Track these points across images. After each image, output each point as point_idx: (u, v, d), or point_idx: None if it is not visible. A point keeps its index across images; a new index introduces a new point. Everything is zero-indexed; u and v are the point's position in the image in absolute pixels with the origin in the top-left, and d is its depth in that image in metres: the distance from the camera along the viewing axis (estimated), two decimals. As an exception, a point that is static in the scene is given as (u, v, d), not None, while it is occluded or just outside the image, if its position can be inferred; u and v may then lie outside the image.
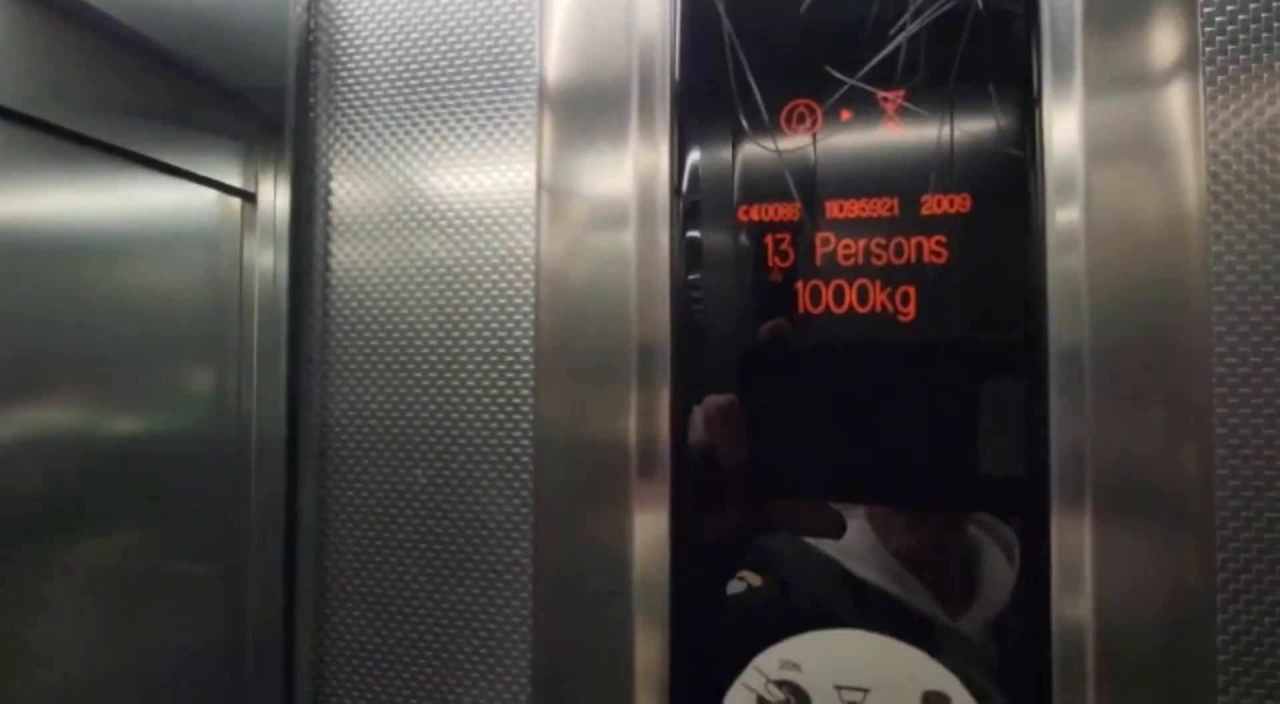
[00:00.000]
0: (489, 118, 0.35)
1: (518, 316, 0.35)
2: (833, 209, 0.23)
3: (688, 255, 0.24)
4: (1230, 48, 0.26)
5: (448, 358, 0.37)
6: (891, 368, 0.23)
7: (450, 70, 0.36)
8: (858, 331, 0.22)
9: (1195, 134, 0.24)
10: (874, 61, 0.22)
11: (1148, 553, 0.23)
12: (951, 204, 0.22)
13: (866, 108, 0.23)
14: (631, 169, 0.27)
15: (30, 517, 0.70)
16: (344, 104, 0.38)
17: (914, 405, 0.23)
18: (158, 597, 0.84)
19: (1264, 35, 0.26)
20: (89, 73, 0.91)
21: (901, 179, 0.22)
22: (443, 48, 0.36)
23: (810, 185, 0.23)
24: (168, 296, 0.98)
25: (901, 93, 0.22)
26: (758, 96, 0.23)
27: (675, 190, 0.25)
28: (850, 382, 0.24)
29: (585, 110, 0.30)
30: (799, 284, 0.23)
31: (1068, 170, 0.23)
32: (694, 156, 0.25)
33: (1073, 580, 0.22)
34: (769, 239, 0.23)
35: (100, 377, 0.89)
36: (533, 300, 0.33)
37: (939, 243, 0.22)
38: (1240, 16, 0.26)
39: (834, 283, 0.22)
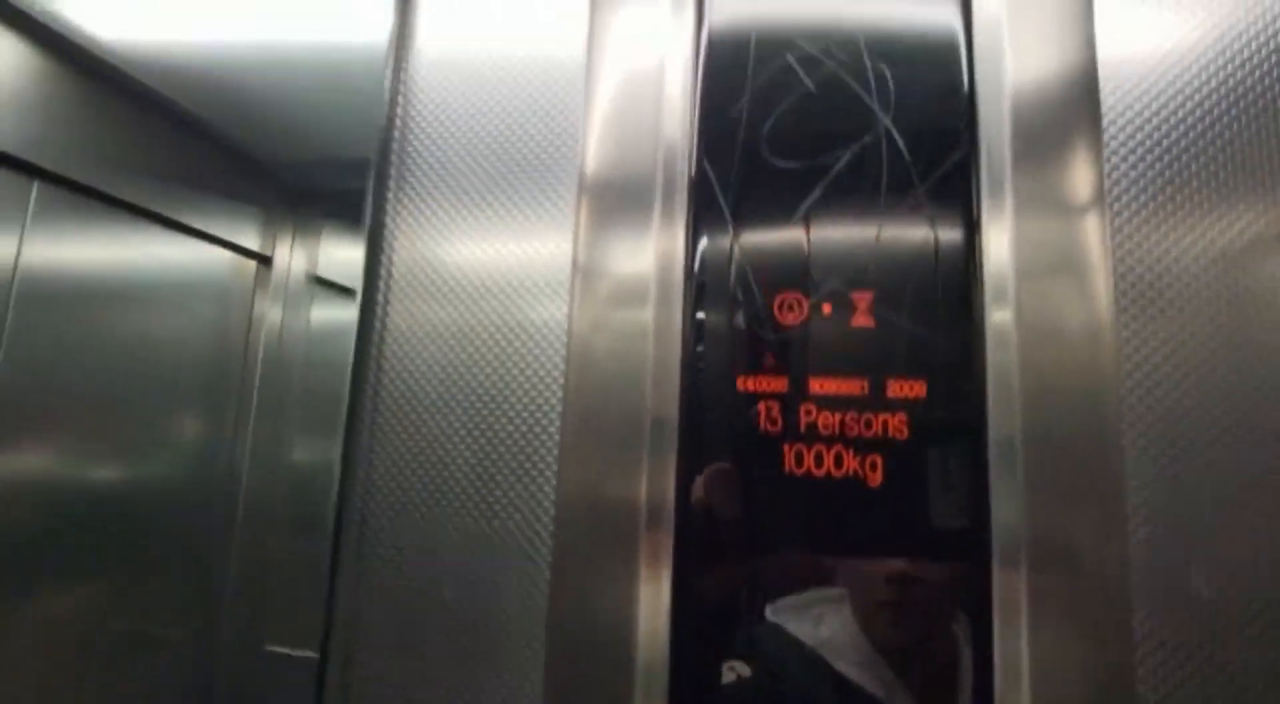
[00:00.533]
0: (538, 201, 0.38)
1: (548, 381, 0.36)
2: (815, 385, 0.27)
3: (691, 421, 0.29)
4: (1132, 189, 0.32)
5: (484, 412, 0.37)
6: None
7: (506, 158, 0.39)
8: (833, 493, 0.27)
9: (1104, 254, 0.29)
10: (852, 267, 0.28)
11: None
12: (911, 389, 0.26)
13: (844, 304, 0.28)
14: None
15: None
16: (412, 180, 0.40)
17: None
18: (124, 653, 0.83)
19: (1158, 180, 0.31)
20: (134, 142, 0.97)
21: (871, 365, 0.27)
22: (501, 140, 0.39)
23: (798, 364, 0.28)
24: (178, 348, 1.01)
25: (871, 294, 0.28)
26: (755, 288, 0.28)
27: (686, 363, 0.30)
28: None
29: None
30: (785, 448, 0.27)
31: (1004, 355, 0.28)
32: (701, 324, 0.30)
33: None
34: (761, 406, 0.27)
35: (97, 420, 0.90)
36: (563, 368, 0.35)
37: (901, 420, 0.26)
38: (1140, 164, 0.32)
39: (815, 449, 0.27)
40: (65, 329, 0.86)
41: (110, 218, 0.91)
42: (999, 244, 0.28)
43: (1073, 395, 0.29)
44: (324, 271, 1.07)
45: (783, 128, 0.30)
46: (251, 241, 1.02)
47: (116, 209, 0.90)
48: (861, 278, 0.28)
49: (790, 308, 0.28)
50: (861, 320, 0.28)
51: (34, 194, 0.87)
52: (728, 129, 0.31)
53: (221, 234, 0.97)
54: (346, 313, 1.31)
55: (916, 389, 0.27)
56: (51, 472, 0.89)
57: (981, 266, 0.28)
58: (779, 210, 0.29)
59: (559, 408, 0.34)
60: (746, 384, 0.28)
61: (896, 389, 0.27)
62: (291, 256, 1.05)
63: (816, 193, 0.28)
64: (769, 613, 0.28)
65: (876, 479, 0.26)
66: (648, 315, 0.34)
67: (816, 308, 0.28)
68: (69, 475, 0.89)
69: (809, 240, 0.28)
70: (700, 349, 0.31)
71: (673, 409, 0.31)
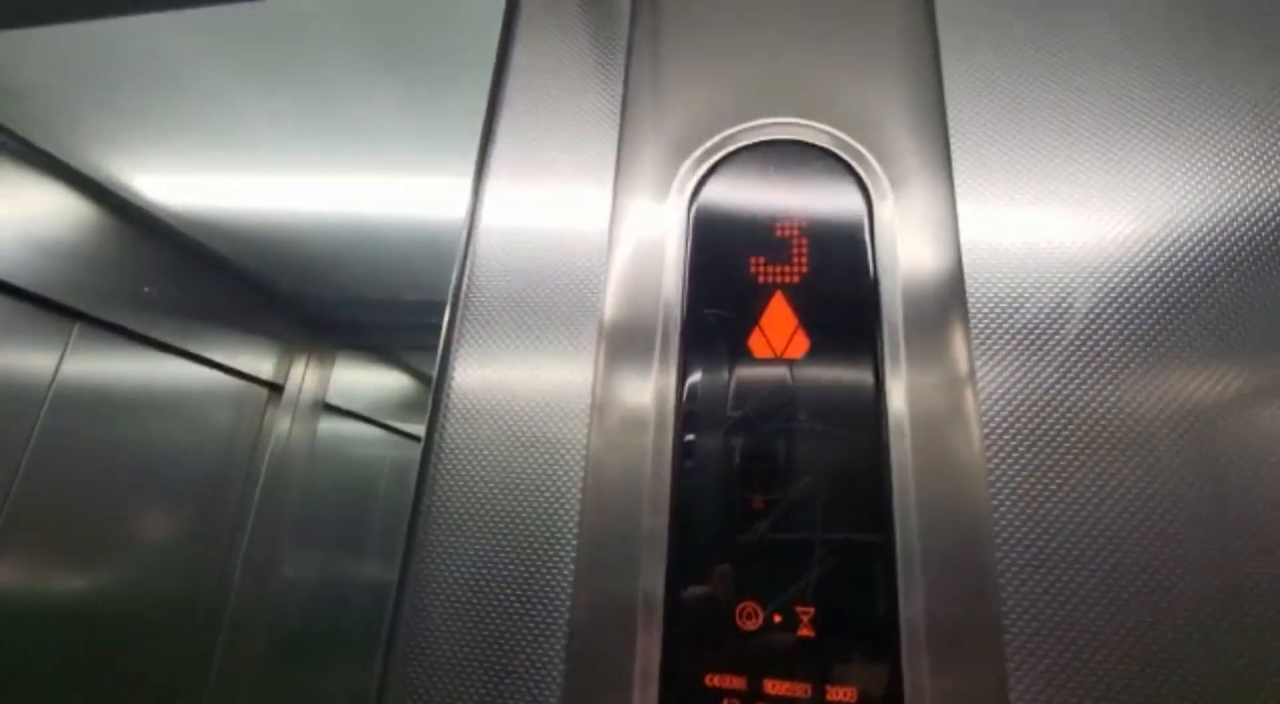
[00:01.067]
0: (566, 342, 0.47)
1: (570, 488, 0.43)
2: (768, 686, 0.33)
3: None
4: (997, 355, 0.39)
5: (518, 512, 0.43)
6: None
7: (543, 307, 0.48)
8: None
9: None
10: (795, 587, 0.35)
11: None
12: (847, 694, 0.32)
13: (790, 617, 0.35)
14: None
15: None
16: (470, 322, 0.49)
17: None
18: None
19: (1015, 350, 0.39)
20: (172, 286, 1.05)
21: (813, 672, 0.33)
22: (540, 293, 0.49)
23: (755, 667, 0.34)
24: (184, 462, 1.05)
25: (812, 609, 0.34)
26: (720, 600, 0.35)
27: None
28: None
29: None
30: (744, 740, 0.33)
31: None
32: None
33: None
34: (724, 701, 0.33)
35: (98, 522, 0.93)
36: (582, 478, 0.42)
37: (839, 723, 0.32)
38: (1000, 337, 0.39)
39: (768, 743, 0.32)
40: (85, 439, 0.91)
41: (139, 349, 0.98)
42: (913, 604, 0.35)
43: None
44: (333, 397, 1.13)
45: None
46: (266, 371, 1.09)
47: (146, 344, 0.97)
48: (804, 596, 0.35)
49: (749, 615, 0.35)
50: (805, 631, 0.34)
51: (75, 332, 0.94)
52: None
53: (239, 366, 1.04)
54: (347, 427, 1.36)
55: (849, 695, 0.33)
56: (38, 578, 0.91)
57: (900, 612, 0.34)
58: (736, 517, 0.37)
59: (577, 508, 0.41)
60: (712, 681, 0.34)
61: (835, 693, 0.33)
62: (303, 382, 1.11)
63: (766, 523, 0.36)
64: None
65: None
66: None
67: (769, 618, 0.35)
68: (55, 583, 0.92)
69: (762, 561, 0.36)
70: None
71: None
